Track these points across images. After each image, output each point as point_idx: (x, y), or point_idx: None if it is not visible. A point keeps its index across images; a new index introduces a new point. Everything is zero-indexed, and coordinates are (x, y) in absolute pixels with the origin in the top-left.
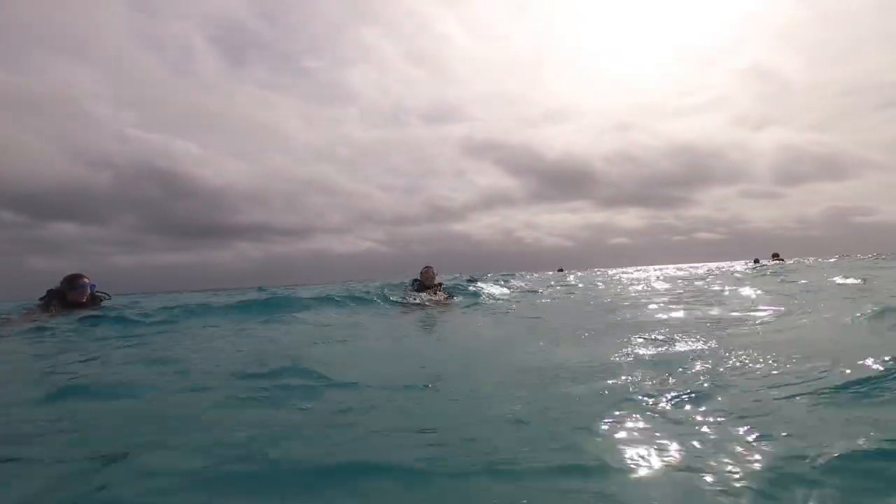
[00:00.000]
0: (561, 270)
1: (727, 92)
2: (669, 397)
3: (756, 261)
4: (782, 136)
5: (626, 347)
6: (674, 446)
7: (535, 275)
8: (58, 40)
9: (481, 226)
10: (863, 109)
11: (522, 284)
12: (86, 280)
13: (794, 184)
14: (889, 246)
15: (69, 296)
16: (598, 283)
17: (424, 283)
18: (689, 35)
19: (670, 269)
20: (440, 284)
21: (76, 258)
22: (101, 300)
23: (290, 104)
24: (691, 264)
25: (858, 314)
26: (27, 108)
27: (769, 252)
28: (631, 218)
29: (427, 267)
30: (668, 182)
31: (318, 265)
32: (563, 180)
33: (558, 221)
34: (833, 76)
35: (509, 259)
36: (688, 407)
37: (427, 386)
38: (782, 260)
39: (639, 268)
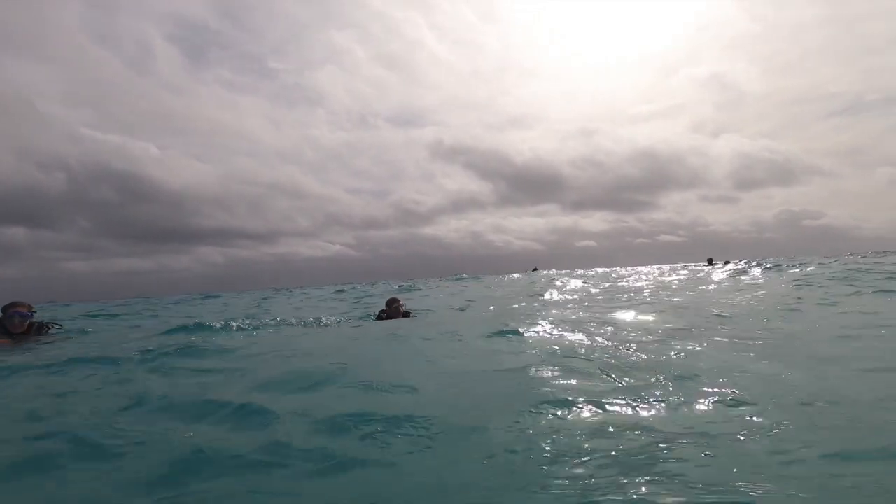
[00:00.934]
0: (535, 270)
1: (686, 100)
2: None
3: (710, 261)
4: (737, 143)
5: None
6: None
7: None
8: (3, 36)
9: (450, 229)
10: (810, 119)
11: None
12: (21, 309)
13: (749, 188)
14: (835, 248)
15: (6, 324)
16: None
17: (391, 315)
18: (648, 44)
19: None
20: (407, 313)
21: (25, 264)
22: (47, 329)
23: (256, 105)
24: (656, 265)
25: None
26: None
27: (726, 255)
28: (597, 221)
29: (393, 299)
30: (632, 186)
31: (284, 270)
32: (531, 184)
33: (526, 225)
34: (783, 86)
35: (480, 262)
36: None
37: None
38: (727, 262)
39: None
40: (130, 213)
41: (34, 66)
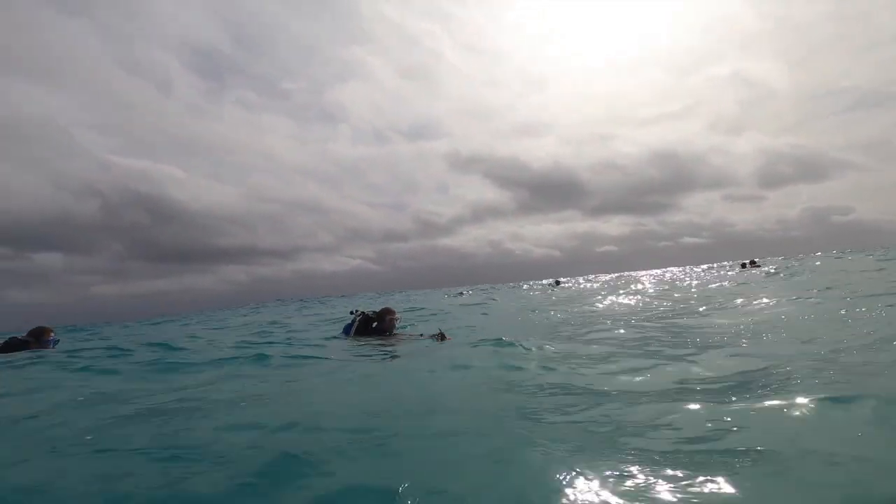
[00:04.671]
0: (558, 284)
1: (703, 99)
2: None
3: (743, 265)
4: (760, 141)
5: None
6: None
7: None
8: (28, 67)
9: (469, 239)
10: (827, 113)
11: None
12: (53, 335)
13: (775, 186)
14: (866, 242)
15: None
16: None
17: (385, 328)
18: (656, 46)
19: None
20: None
21: (57, 289)
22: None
23: (276, 124)
24: (680, 268)
25: None
26: (4, 138)
27: (751, 255)
28: (616, 226)
29: (387, 309)
30: (652, 189)
31: (305, 285)
32: (551, 191)
33: (545, 232)
34: (797, 82)
35: (499, 272)
36: None
37: None
38: (755, 264)
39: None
40: (157, 235)
41: (59, 96)
